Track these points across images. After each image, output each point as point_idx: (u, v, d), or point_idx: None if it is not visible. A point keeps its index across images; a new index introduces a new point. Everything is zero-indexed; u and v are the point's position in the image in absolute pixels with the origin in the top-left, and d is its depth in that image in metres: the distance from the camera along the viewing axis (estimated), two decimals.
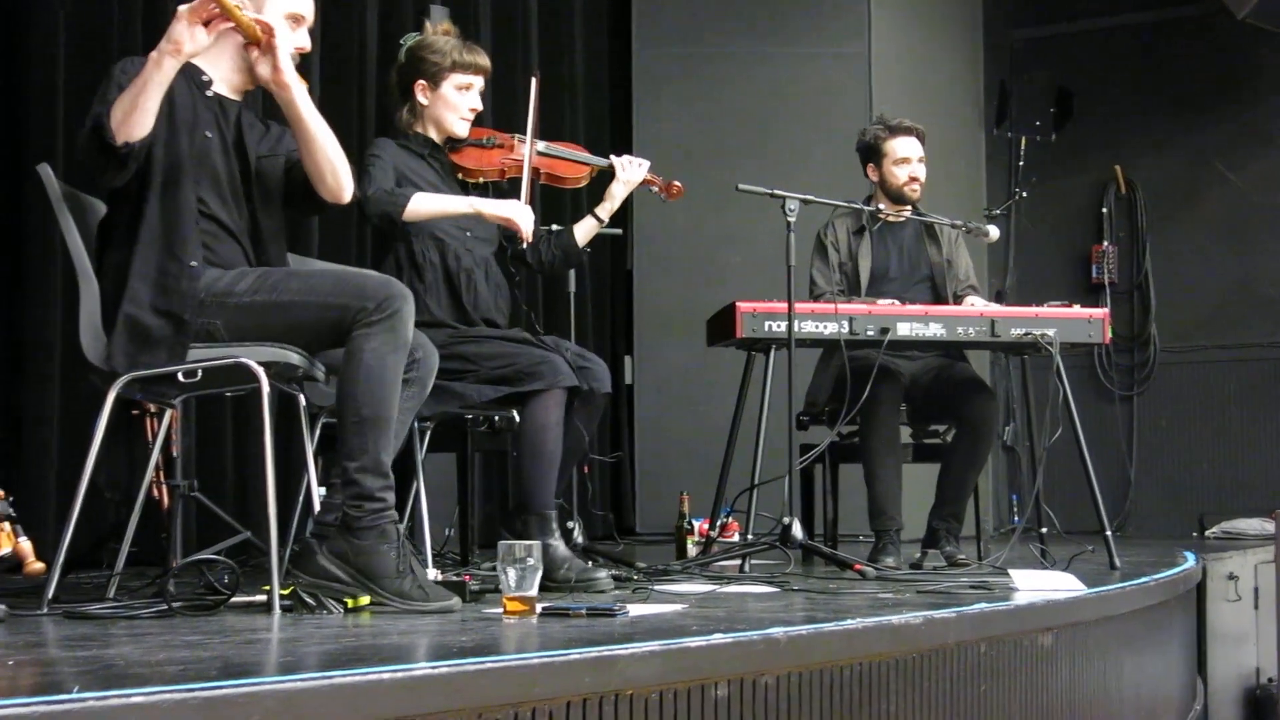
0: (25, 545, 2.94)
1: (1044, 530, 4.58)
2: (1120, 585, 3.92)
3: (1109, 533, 4.52)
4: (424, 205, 3.88)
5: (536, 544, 2.89)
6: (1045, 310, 4.55)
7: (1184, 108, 8.12)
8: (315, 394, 3.56)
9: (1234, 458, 7.89)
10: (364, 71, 5.87)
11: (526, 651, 2.19)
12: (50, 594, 3.00)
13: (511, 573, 2.84)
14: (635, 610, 2.93)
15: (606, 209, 4.25)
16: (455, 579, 3.26)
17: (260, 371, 3.07)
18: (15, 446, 4.47)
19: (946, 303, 4.81)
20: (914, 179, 4.92)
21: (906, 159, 4.91)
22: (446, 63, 4.03)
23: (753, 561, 4.27)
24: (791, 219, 4.30)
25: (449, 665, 2.00)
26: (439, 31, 4.11)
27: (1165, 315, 8.16)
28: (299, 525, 3.96)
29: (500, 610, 2.87)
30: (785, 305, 4.29)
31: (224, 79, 3.29)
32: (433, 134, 4.10)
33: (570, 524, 5.14)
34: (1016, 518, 7.52)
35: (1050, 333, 4.44)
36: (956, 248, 5.02)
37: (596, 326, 7.28)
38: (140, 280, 3.08)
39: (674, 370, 7.14)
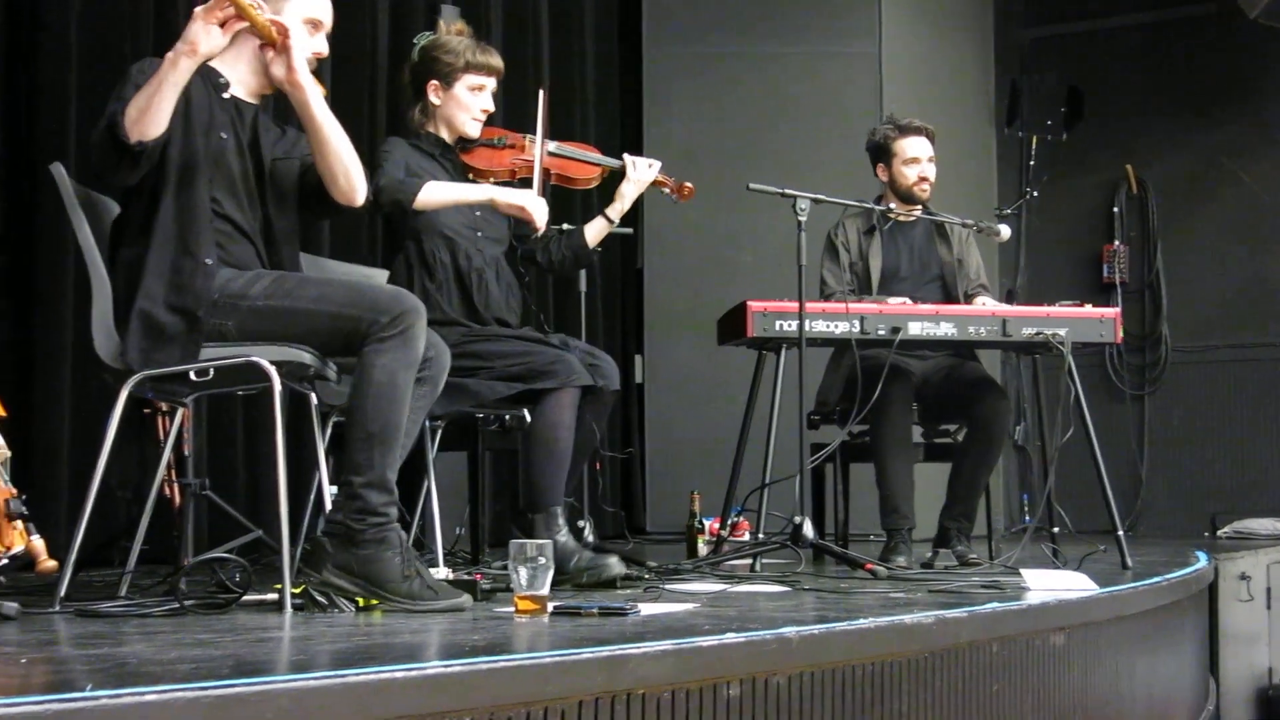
0: (38, 543, 2.94)
1: (1055, 530, 4.56)
2: (1132, 585, 3.91)
3: (1121, 532, 4.51)
4: (436, 194, 3.88)
5: (548, 543, 2.89)
6: (1057, 310, 4.54)
7: (1195, 107, 8.10)
8: (327, 393, 3.57)
9: (1246, 457, 7.87)
10: (375, 72, 5.87)
11: (538, 650, 2.19)
12: (62, 592, 3.01)
13: (523, 571, 2.84)
14: (647, 609, 2.93)
15: (617, 209, 4.25)
16: (466, 578, 3.26)
17: (272, 370, 3.07)
18: (27, 445, 4.48)
19: (957, 302, 4.80)
20: (923, 179, 4.91)
21: (916, 159, 4.91)
22: (460, 63, 4.03)
23: (764, 561, 4.26)
24: (802, 218, 4.30)
25: (461, 664, 2.00)
26: (453, 31, 4.11)
27: (1177, 315, 8.14)
28: (310, 524, 3.97)
29: (512, 609, 2.87)
30: (796, 305, 4.29)
31: (241, 82, 3.30)
32: (444, 134, 4.10)
33: (581, 523, 5.14)
34: (1028, 517, 7.51)
35: (1062, 332, 4.43)
36: (967, 247, 5.01)
37: (607, 326, 7.28)
38: (154, 276, 3.09)
39: (684, 370, 7.14)
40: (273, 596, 3.05)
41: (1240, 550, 6.11)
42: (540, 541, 2.89)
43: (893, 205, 4.94)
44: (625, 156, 4.28)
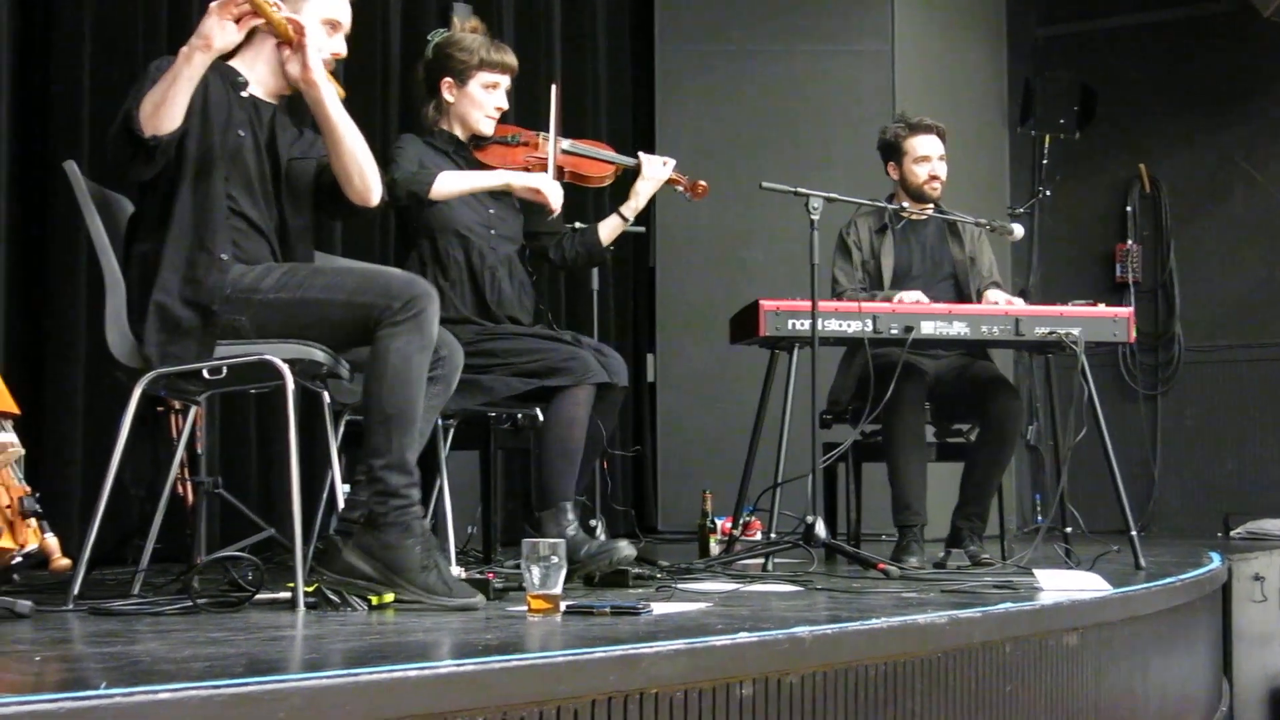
0: (51, 541, 2.95)
1: (1068, 530, 4.55)
2: (1146, 585, 3.90)
3: (1134, 532, 4.50)
4: (451, 183, 3.88)
5: (560, 542, 2.88)
6: (1070, 309, 4.53)
7: (1209, 106, 8.08)
8: (339, 391, 3.57)
9: (1259, 457, 7.85)
10: (387, 69, 5.87)
11: (551, 650, 2.19)
12: (76, 590, 3.01)
13: (536, 570, 2.84)
14: (659, 609, 2.92)
15: (631, 207, 4.25)
16: (479, 577, 3.26)
17: (285, 369, 3.07)
18: (40, 443, 4.48)
19: (970, 301, 4.79)
20: (934, 177, 4.90)
21: (927, 157, 4.90)
22: (474, 61, 4.03)
23: (776, 560, 4.26)
24: (815, 217, 4.29)
25: (473, 663, 2.00)
26: (467, 29, 4.11)
27: (1190, 314, 8.12)
28: (323, 522, 3.97)
29: (524, 608, 2.87)
30: (809, 303, 4.29)
31: (260, 81, 3.31)
32: (458, 131, 4.10)
33: (593, 522, 5.14)
34: (1040, 517, 7.50)
35: (1075, 332, 4.42)
36: (980, 245, 5.00)
37: (619, 324, 7.26)
38: (170, 270, 3.10)
39: (696, 368, 7.14)
40: (285, 595, 3.05)
41: (1254, 551, 6.09)
42: (553, 541, 2.89)
43: (905, 204, 4.94)
44: (640, 154, 4.27)
